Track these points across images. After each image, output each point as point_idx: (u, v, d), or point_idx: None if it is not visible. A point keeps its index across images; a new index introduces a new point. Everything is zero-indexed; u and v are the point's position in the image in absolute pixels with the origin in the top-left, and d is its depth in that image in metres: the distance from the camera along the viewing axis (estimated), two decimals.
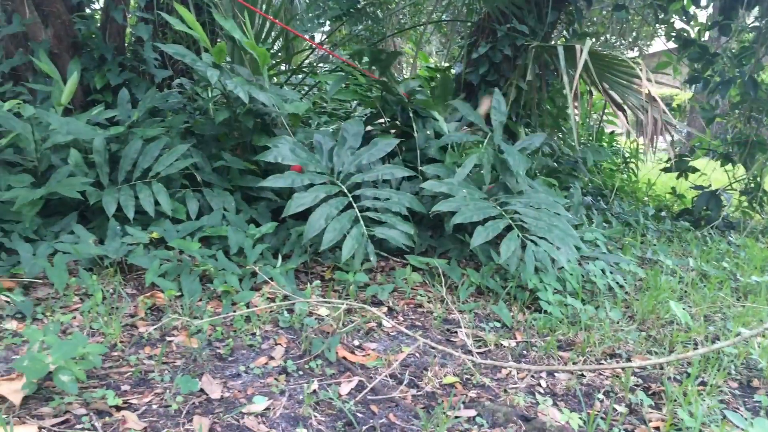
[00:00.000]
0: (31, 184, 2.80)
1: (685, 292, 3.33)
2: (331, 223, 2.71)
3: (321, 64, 6.43)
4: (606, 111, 5.89)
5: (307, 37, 5.29)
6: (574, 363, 2.36)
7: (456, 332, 2.57)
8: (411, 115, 3.58)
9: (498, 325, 2.66)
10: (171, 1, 4.70)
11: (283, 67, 5.76)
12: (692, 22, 5.54)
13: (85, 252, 2.56)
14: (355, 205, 2.86)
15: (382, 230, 2.82)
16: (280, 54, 5.45)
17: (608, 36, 8.35)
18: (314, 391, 1.95)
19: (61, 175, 2.83)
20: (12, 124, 2.80)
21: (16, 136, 2.90)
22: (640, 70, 3.65)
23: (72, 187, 2.71)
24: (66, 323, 2.20)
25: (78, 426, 1.62)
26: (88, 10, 4.42)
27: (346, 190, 2.92)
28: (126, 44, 4.00)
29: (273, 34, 5.05)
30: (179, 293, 2.51)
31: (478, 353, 2.36)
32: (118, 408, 1.73)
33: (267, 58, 3.05)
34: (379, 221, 2.86)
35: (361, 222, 2.79)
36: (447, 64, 6.30)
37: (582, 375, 2.28)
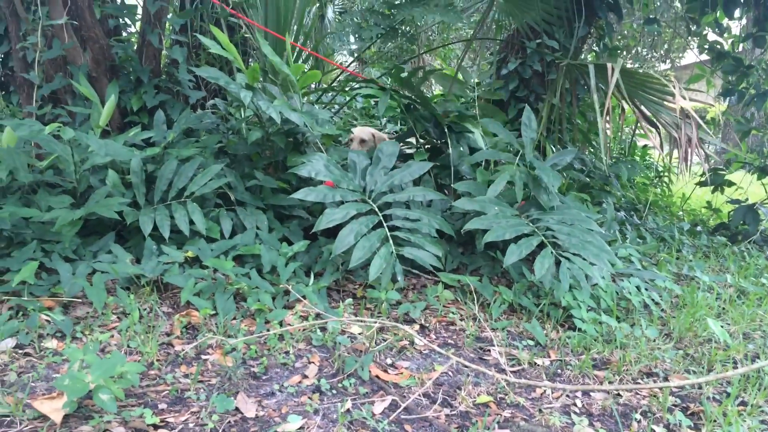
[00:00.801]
0: (71, 204, 2.87)
1: (723, 309, 3.26)
2: (361, 241, 2.72)
3: (351, 83, 6.50)
4: (638, 125, 5.83)
5: (336, 60, 5.35)
6: (609, 382, 2.32)
7: (489, 350, 2.55)
8: (446, 130, 3.59)
9: (531, 343, 2.64)
10: (204, 24, 4.81)
11: (312, 86, 5.84)
12: (726, 34, 5.47)
13: (123, 271, 2.61)
14: (385, 224, 2.87)
15: (410, 250, 2.82)
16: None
17: (639, 49, 8.28)
18: (348, 410, 1.95)
19: (100, 195, 2.90)
20: (53, 146, 2.89)
21: (56, 158, 2.99)
22: (673, 86, 3.61)
23: (110, 208, 2.77)
24: (104, 342, 2.24)
25: None
26: (124, 34, 4.55)
27: (377, 209, 2.93)
28: (161, 66, 4.09)
29: (303, 54, 5.13)
30: (214, 312, 2.54)
31: (511, 372, 2.34)
32: (156, 427, 1.76)
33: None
34: (408, 241, 2.86)
35: (390, 241, 2.80)
36: (476, 81, 6.30)
37: (618, 395, 2.24)
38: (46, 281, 2.59)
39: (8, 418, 1.75)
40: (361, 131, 3.86)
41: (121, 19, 4.46)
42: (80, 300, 2.56)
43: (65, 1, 3.53)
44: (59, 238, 2.75)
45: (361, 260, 2.67)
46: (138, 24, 4.58)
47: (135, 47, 4.00)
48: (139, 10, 4.40)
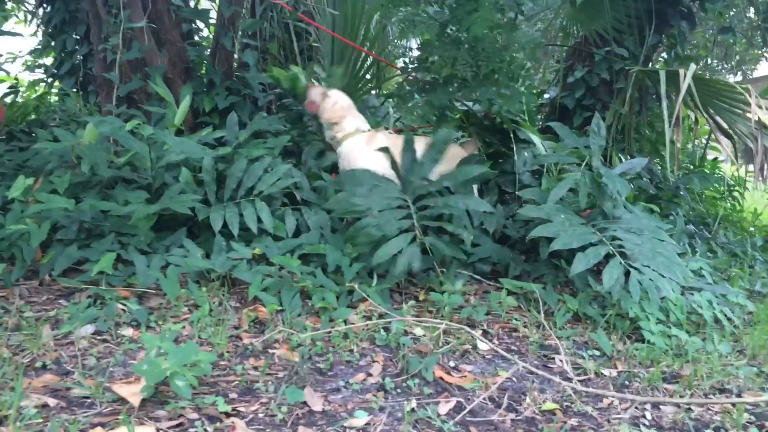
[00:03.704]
0: (146, 200, 2.98)
1: None
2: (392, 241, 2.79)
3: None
4: (710, 137, 5.65)
5: (397, 65, 5.38)
6: (680, 396, 2.26)
7: (553, 358, 2.52)
8: (511, 136, 3.56)
9: (597, 353, 2.59)
10: (272, 28, 4.91)
11: (374, 92, 5.89)
12: None
13: (194, 265, 2.69)
14: (414, 215, 2.92)
15: (431, 239, 2.86)
16: (371, 82, 5.55)
17: (710, 59, 8.05)
18: (413, 409, 1.96)
19: (173, 192, 2.99)
20: (131, 143, 3.00)
21: (133, 155, 3.10)
22: (749, 95, 3.50)
23: (183, 204, 2.86)
24: (177, 332, 2.31)
25: (192, 429, 1.70)
26: (196, 38, 4.69)
27: (412, 208, 2.96)
28: (232, 69, 4.20)
29: (369, 59, 5.18)
30: (280, 308, 2.59)
31: (578, 381, 2.30)
32: (228, 414, 1.80)
33: None
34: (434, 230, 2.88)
35: (418, 232, 2.82)
36: (541, 88, 6.25)
37: (689, 409, 2.18)
38: (122, 272, 2.70)
39: (89, 400, 1.83)
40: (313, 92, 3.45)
41: (193, 23, 4.62)
42: (154, 291, 2.64)
43: (145, 5, 3.67)
44: (135, 231, 2.85)
45: (390, 255, 2.75)
46: (211, 28, 4.72)
47: (208, 50, 4.12)
48: (213, 14, 4.54)
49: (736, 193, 5.91)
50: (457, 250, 2.86)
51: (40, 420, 1.69)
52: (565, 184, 3.09)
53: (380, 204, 2.90)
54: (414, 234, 2.80)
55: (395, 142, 3.27)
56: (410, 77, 3.78)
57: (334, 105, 3.35)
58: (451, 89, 3.50)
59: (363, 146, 3.27)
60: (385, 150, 3.13)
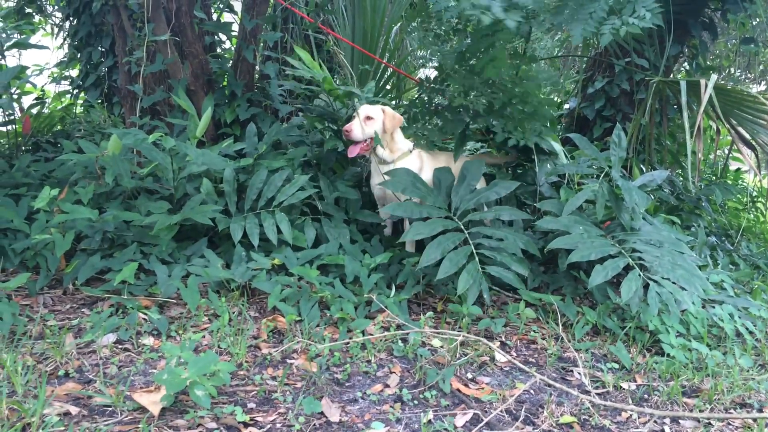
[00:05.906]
0: (168, 210, 3.02)
1: None
2: (448, 256, 2.74)
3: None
4: (732, 147, 5.59)
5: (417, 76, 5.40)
6: (700, 410, 2.24)
7: (571, 371, 2.50)
8: (533, 147, 3.55)
9: (616, 366, 2.57)
10: (294, 40, 4.96)
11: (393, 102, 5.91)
12: None
13: (215, 275, 2.72)
14: (471, 242, 2.87)
15: (496, 269, 2.82)
16: (391, 92, 5.58)
17: (732, 69, 7.96)
18: (430, 420, 1.97)
19: (195, 202, 3.03)
20: (154, 155, 3.05)
21: (155, 166, 3.15)
22: None
23: (204, 214, 2.90)
24: (197, 341, 2.34)
25: None
26: (219, 50, 4.76)
27: (462, 227, 2.94)
28: (254, 81, 4.25)
29: (388, 71, 5.21)
30: (299, 318, 2.61)
31: (596, 394, 2.29)
32: (246, 425, 1.82)
33: None
34: (494, 260, 2.85)
35: (476, 258, 2.80)
36: (560, 99, 6.23)
37: (709, 423, 2.15)
38: (144, 281, 2.74)
39: (110, 408, 1.86)
40: (367, 108, 3.26)
41: (216, 36, 4.68)
42: (174, 301, 2.68)
43: (169, 18, 3.74)
44: (157, 241, 2.90)
45: (447, 274, 2.69)
46: (233, 40, 4.77)
47: (230, 62, 4.17)
48: (235, 27, 4.60)
49: (759, 204, 5.84)
50: (519, 283, 2.88)
51: (62, 428, 1.72)
52: (582, 195, 3.08)
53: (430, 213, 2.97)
54: (470, 250, 2.80)
55: (439, 161, 3.42)
56: (424, 96, 3.79)
57: (394, 116, 3.28)
58: (462, 115, 3.53)
59: (417, 166, 3.31)
60: (446, 170, 3.23)
